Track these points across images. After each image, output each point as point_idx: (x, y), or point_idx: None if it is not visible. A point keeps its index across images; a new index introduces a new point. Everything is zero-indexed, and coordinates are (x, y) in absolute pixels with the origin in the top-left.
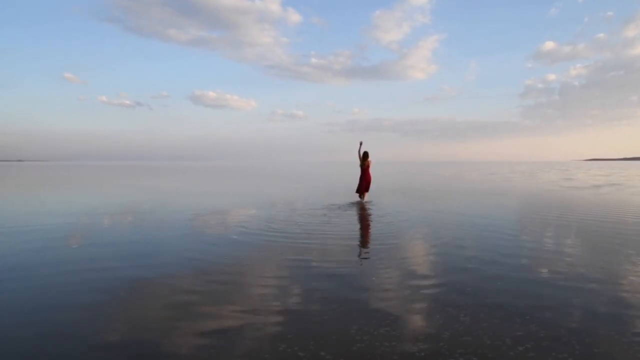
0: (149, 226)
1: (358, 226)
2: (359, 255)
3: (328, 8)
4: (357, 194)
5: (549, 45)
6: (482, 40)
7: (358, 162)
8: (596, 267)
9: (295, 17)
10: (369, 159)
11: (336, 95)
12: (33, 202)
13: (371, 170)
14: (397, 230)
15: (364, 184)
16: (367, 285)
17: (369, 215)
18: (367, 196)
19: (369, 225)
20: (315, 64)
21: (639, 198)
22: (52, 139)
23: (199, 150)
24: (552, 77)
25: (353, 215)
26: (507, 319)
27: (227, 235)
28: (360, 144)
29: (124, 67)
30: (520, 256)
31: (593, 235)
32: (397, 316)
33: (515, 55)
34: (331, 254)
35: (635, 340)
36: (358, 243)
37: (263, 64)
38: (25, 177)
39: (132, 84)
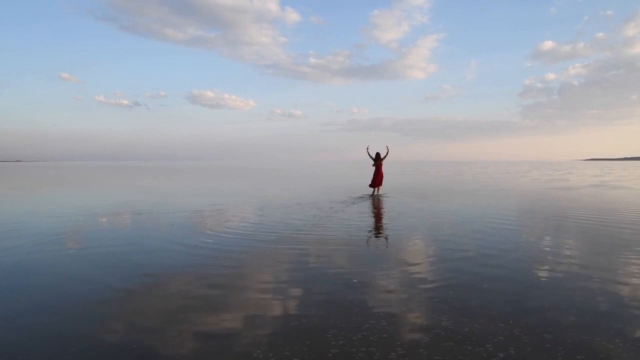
0: (147, 227)
1: (346, 227)
2: (343, 257)
3: (327, 7)
4: (370, 188)
5: (549, 44)
6: (481, 39)
7: (371, 162)
8: (587, 269)
9: (293, 16)
10: (382, 158)
11: (335, 94)
12: (36, 202)
13: (383, 169)
14: (378, 230)
15: (377, 180)
16: (349, 288)
17: (359, 215)
18: (381, 189)
19: (357, 226)
20: (314, 63)
21: (615, 199)
22: (50, 139)
23: (198, 150)
24: (551, 76)
25: (344, 216)
26: (491, 324)
27: (214, 236)
28: (367, 148)
29: (121, 66)
30: (505, 258)
31: (584, 236)
32: (377, 320)
33: (514, 54)
34: (315, 255)
35: (620, 346)
36: (344, 244)
37: (261, 63)
38: (27, 177)
39: (129, 84)
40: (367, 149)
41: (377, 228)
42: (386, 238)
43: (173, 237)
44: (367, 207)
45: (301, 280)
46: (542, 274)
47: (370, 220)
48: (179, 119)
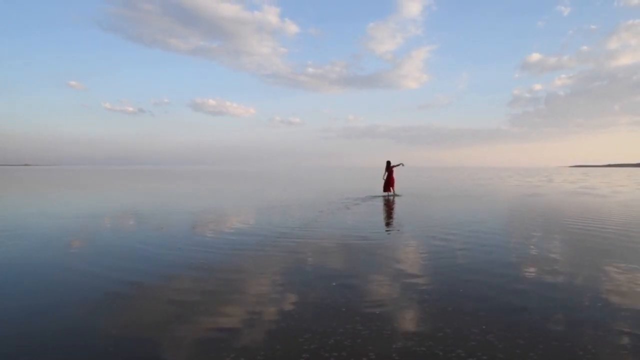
0: (151, 228)
1: (336, 230)
2: (325, 259)
3: (325, 19)
4: (384, 191)
5: (536, 56)
6: (472, 51)
7: (384, 171)
8: (560, 275)
9: (292, 27)
10: (392, 166)
11: (332, 102)
12: (40, 204)
13: (394, 175)
14: (366, 232)
15: (388, 184)
16: (327, 291)
17: (348, 218)
18: (394, 190)
19: (343, 227)
20: (312, 73)
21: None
22: (57, 144)
23: (200, 155)
24: (538, 86)
25: (333, 219)
26: (464, 328)
27: (202, 238)
28: (398, 165)
29: (126, 74)
30: (482, 262)
31: (557, 242)
32: (352, 324)
33: (504, 65)
34: (296, 258)
35: (592, 352)
36: (328, 246)
37: (262, 72)
38: (30, 181)
39: (134, 91)
40: (398, 165)
41: (365, 231)
42: (371, 240)
43: (172, 238)
44: (359, 210)
45: (279, 283)
46: (517, 279)
47: (359, 223)
48: (182, 125)
